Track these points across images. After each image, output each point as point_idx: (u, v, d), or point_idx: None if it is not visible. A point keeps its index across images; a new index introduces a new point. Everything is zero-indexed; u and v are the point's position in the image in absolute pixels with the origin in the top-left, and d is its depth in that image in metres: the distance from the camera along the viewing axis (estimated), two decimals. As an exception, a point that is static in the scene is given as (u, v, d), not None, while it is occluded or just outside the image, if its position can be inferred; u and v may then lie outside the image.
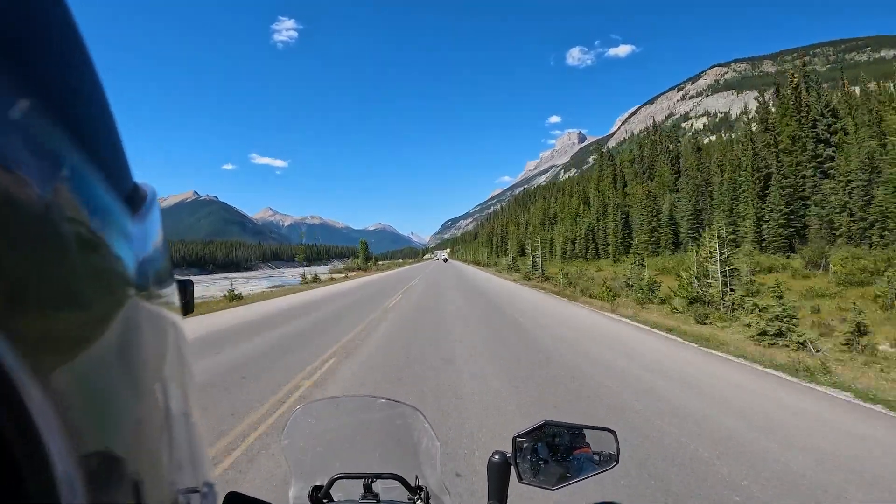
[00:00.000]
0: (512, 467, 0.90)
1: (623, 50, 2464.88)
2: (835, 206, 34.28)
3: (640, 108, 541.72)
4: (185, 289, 0.90)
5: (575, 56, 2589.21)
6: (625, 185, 75.22)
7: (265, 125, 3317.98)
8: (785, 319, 8.81)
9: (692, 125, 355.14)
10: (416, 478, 1.01)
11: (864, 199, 31.58)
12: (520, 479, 0.89)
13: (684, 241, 50.92)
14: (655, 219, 58.70)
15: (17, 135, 0.20)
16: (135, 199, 0.32)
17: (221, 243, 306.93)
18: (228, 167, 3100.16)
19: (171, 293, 0.34)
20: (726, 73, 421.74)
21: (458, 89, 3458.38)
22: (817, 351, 8.06)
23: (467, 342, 8.63)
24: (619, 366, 6.86)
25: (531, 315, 12.10)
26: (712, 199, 51.93)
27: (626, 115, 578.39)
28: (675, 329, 10.35)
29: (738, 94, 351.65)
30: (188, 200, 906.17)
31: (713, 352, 8.13)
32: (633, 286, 17.96)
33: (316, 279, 31.20)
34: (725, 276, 13.67)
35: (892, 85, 42.74)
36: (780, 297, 9.54)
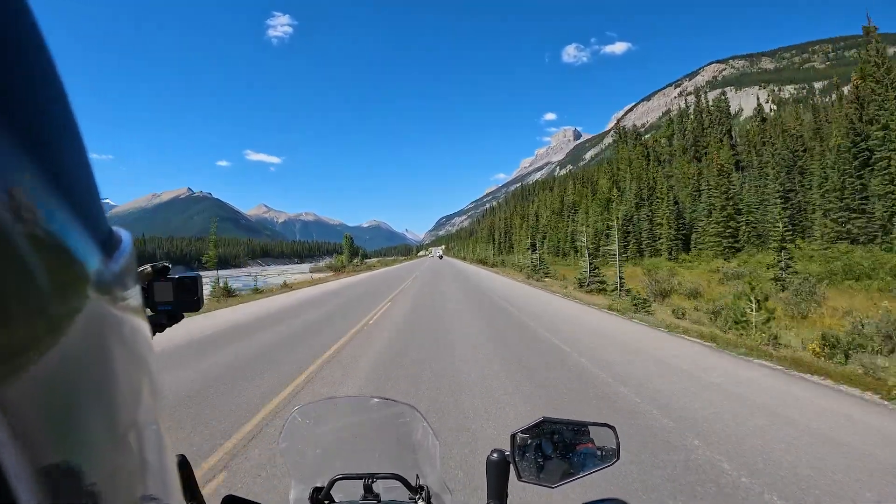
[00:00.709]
0: (511, 465, 0.89)
1: (619, 47, 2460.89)
2: None
3: (636, 104, 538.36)
4: (195, 284, 0.91)
5: (571, 53, 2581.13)
6: (660, 167, 61.37)
7: (259, 121, 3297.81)
8: None
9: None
10: (417, 477, 1.01)
11: None
12: (519, 477, 0.88)
13: (768, 234, 37.06)
14: (730, 204, 44.47)
15: None
16: (109, 245, 0.31)
17: (207, 240, 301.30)
18: (223, 163, 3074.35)
19: (135, 298, 0.33)
20: (724, 69, 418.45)
21: (453, 86, 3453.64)
22: None
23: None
24: None
25: None
26: (802, 177, 41.56)
27: (622, 112, 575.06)
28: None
29: (736, 90, 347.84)
30: (182, 197, 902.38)
31: None
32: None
33: (285, 286, 25.96)
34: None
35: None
36: None
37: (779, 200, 36.83)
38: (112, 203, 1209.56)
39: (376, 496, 0.98)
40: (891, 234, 29.80)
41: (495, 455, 0.91)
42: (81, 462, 0.23)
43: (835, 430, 4.36)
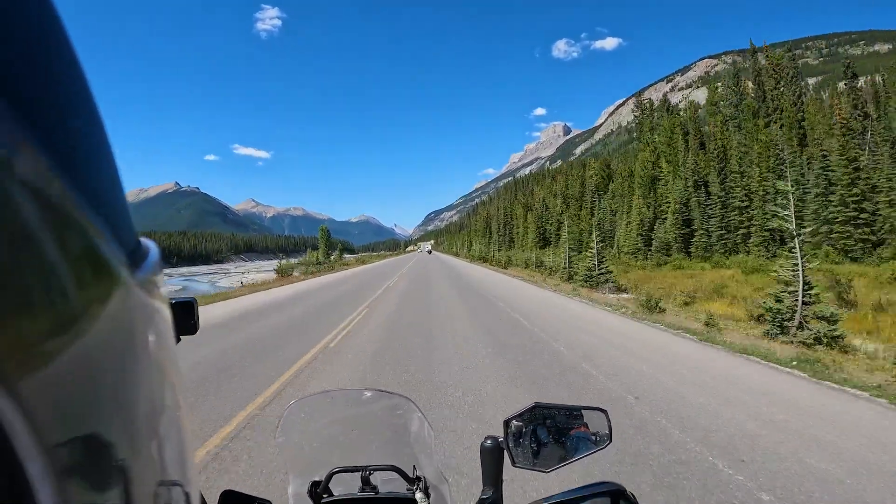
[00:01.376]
0: (505, 451, 0.90)
1: (610, 43, 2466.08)
2: None
3: (628, 98, 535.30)
4: (191, 308, 0.90)
5: (561, 48, 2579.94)
6: (702, 147, 47.33)
7: (247, 116, 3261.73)
8: None
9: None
10: (414, 468, 1.01)
11: None
12: (513, 462, 0.89)
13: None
14: (860, 181, 30.16)
15: (35, 200, 0.21)
16: (137, 255, 0.33)
17: (189, 234, 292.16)
18: (211, 158, 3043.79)
19: (162, 305, 0.35)
20: (717, 64, 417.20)
21: (442, 81, 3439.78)
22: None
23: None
24: None
25: None
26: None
27: (613, 107, 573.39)
28: None
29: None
30: (169, 191, 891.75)
31: None
32: None
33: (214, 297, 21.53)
34: None
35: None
36: None
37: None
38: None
39: (374, 488, 0.98)
40: None
41: (489, 442, 0.91)
42: (110, 438, 0.24)
43: None
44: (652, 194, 49.41)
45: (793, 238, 9.29)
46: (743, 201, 38.90)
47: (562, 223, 67.87)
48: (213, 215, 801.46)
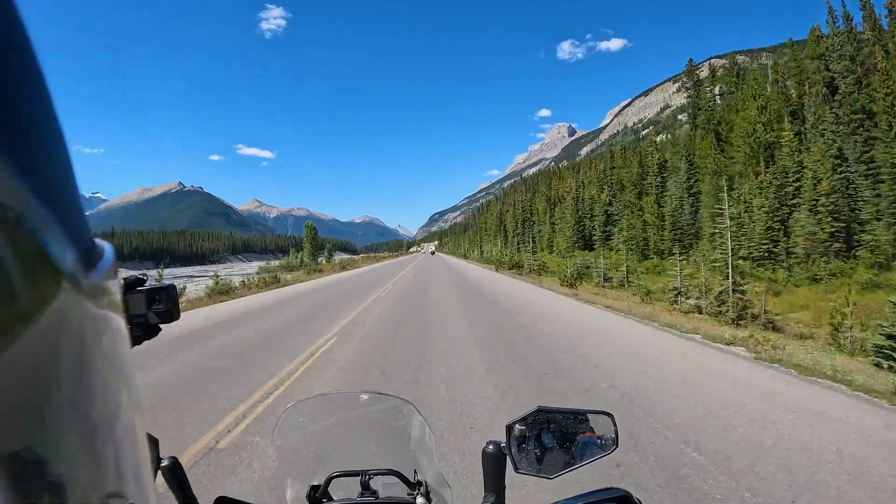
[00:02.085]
0: (507, 457, 0.87)
1: (615, 44, 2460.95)
2: None
3: (634, 99, 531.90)
4: (171, 295, 0.87)
5: (566, 49, 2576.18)
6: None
7: (252, 115, 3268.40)
8: None
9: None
10: (415, 472, 1.00)
11: None
12: (516, 468, 0.86)
13: None
14: None
15: None
16: (91, 256, 0.31)
17: (186, 234, 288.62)
18: (215, 158, 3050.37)
19: (116, 307, 0.33)
20: (724, 64, 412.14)
21: (447, 82, 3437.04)
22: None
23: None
24: None
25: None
26: None
27: (619, 108, 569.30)
28: None
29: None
30: (173, 191, 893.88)
31: None
32: None
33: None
34: None
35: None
36: None
37: None
38: (103, 197, 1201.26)
39: (374, 493, 0.96)
40: None
41: (491, 447, 0.88)
42: (47, 454, 0.23)
43: None
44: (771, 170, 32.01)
45: None
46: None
47: (614, 216, 52.19)
48: (216, 215, 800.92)
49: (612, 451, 0.89)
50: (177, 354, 7.41)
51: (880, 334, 7.51)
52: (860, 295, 15.40)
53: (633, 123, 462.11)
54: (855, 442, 3.79)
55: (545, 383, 5.55)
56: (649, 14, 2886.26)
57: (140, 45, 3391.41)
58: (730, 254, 14.28)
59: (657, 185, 47.38)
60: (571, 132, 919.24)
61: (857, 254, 25.83)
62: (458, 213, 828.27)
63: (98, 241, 0.35)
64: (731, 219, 18.33)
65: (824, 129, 30.95)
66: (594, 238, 54.83)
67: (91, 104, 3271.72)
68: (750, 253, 29.48)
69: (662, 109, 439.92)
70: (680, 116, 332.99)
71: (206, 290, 18.30)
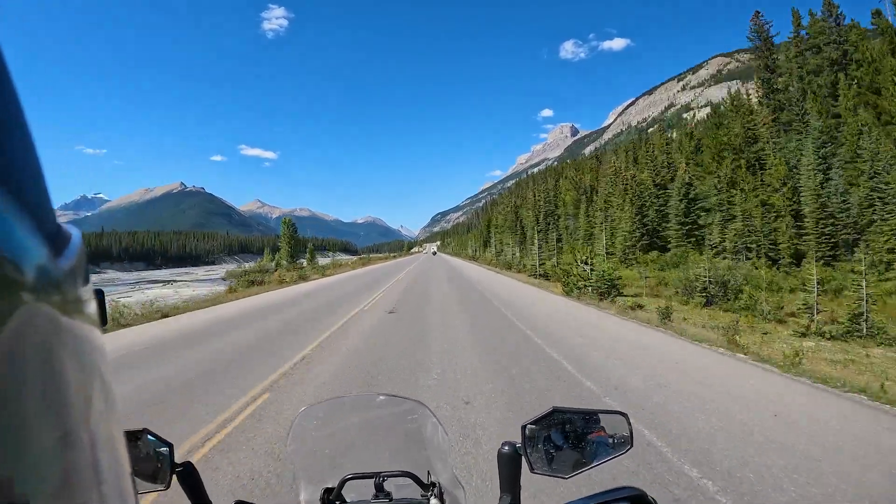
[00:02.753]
0: (523, 458, 0.88)
1: (618, 43, 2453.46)
2: None
3: (637, 98, 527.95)
4: (97, 299, 0.84)
5: (568, 49, 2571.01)
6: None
7: (254, 116, 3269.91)
8: None
9: (694, 115, 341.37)
10: (428, 474, 1.00)
11: None
12: (532, 469, 0.87)
13: None
14: None
15: None
16: (57, 241, 0.29)
17: (179, 234, 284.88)
18: (217, 158, 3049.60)
19: (87, 300, 0.31)
20: (729, 62, 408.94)
21: (449, 82, 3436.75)
22: None
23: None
24: None
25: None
26: None
27: (622, 107, 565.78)
28: None
29: (743, 83, 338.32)
30: (174, 192, 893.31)
31: None
32: None
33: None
34: None
35: None
36: None
37: None
38: (105, 197, 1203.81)
39: (388, 494, 0.97)
40: None
41: (506, 448, 0.88)
42: (8, 472, 0.21)
43: None
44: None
45: None
46: None
47: (700, 203, 36.92)
48: (217, 215, 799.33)
49: (627, 450, 0.89)
50: None
51: None
52: None
53: (638, 122, 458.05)
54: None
55: None
56: (652, 13, 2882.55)
57: (142, 44, 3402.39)
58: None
59: (767, 156, 33.19)
60: (574, 132, 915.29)
61: None
62: (460, 213, 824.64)
63: (64, 224, 0.33)
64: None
65: None
66: (666, 236, 40.82)
67: (92, 104, 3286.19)
68: None
69: (667, 108, 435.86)
70: (685, 115, 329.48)
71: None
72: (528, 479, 0.88)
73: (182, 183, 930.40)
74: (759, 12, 41.45)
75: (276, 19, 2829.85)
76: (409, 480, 0.96)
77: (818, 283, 15.18)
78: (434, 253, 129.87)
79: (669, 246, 39.53)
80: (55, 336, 0.25)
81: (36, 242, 0.25)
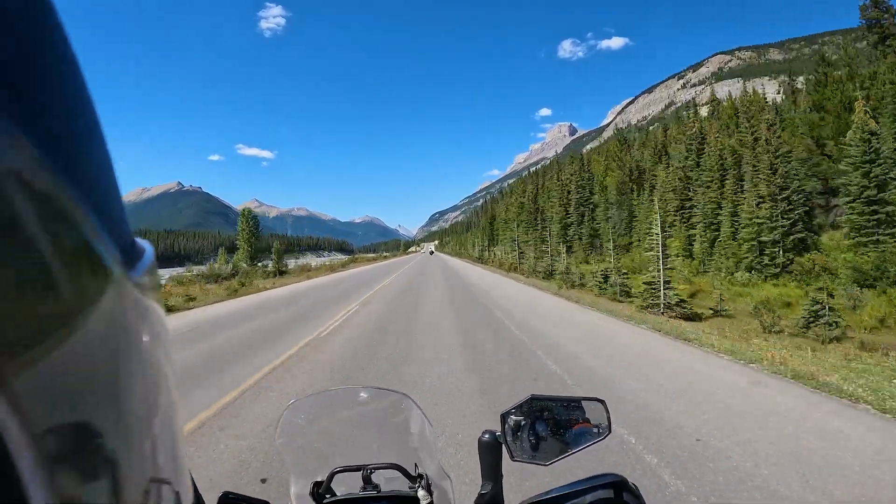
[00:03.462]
0: (503, 446, 0.90)
1: (616, 42, 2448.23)
2: None
3: (637, 97, 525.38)
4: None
5: (567, 48, 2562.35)
6: None
7: (252, 115, 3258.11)
8: None
9: (695, 113, 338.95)
10: (416, 465, 1.02)
11: None
12: (511, 457, 0.89)
13: None
14: None
15: (21, 189, 0.20)
16: (132, 255, 0.32)
17: (170, 233, 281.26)
18: (215, 157, 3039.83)
19: (157, 305, 0.34)
20: (730, 60, 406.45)
21: (447, 82, 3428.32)
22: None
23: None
24: None
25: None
26: None
27: (620, 106, 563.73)
28: None
29: (744, 81, 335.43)
30: (172, 191, 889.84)
31: None
32: None
33: None
34: None
35: None
36: None
37: None
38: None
39: (376, 487, 0.98)
40: None
41: (486, 436, 0.91)
42: (102, 429, 0.24)
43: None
44: None
45: None
46: None
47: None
48: (214, 215, 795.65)
49: (605, 437, 0.91)
50: None
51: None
52: None
53: (638, 121, 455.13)
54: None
55: None
56: (651, 12, 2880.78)
57: (139, 44, 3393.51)
58: None
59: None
60: (572, 131, 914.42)
61: None
62: (458, 212, 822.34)
63: (138, 240, 0.35)
64: None
65: None
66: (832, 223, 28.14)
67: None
68: None
69: (667, 106, 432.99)
70: (684, 113, 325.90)
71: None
72: (510, 468, 0.89)
73: (179, 182, 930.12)
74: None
75: (273, 18, 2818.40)
76: (396, 472, 0.97)
77: None
78: (431, 252, 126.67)
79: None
80: (129, 334, 0.28)
81: (115, 254, 0.28)
